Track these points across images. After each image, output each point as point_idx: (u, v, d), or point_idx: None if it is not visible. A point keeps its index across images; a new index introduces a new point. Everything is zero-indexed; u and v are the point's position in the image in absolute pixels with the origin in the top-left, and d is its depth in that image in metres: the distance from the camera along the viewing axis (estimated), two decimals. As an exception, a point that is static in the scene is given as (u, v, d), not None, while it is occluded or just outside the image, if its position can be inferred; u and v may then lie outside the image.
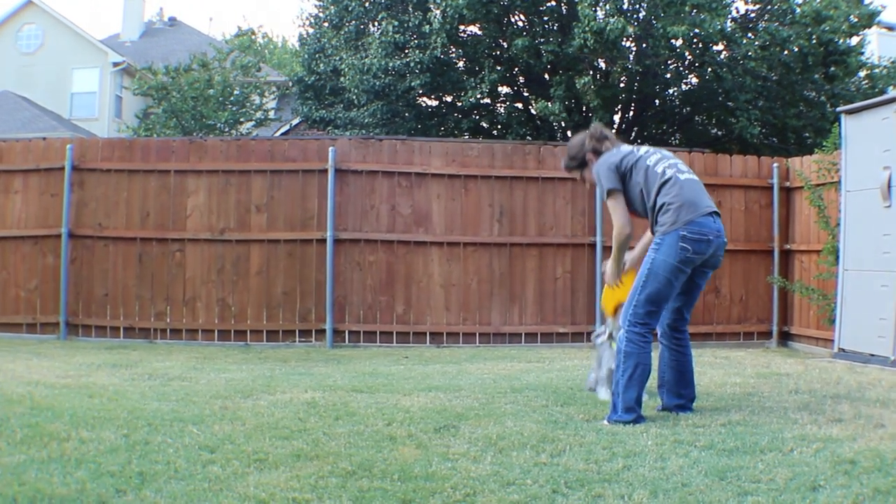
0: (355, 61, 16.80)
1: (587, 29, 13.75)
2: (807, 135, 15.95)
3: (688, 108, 17.83)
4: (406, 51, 16.54)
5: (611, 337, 5.31)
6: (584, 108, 16.44)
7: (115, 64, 26.57)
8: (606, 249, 8.95)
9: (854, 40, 15.03)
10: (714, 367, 7.07)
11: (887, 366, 7.05)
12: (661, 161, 4.84)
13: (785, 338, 9.65)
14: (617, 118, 17.96)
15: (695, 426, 4.41)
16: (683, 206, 4.65)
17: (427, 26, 15.82)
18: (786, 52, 15.00)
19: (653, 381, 4.91)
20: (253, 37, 38.37)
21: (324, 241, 9.27)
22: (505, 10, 16.39)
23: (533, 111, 17.21)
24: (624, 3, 15.74)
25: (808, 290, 8.95)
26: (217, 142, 9.87)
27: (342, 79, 17.62)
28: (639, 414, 4.58)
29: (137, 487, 3.28)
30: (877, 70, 16.50)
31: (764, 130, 15.88)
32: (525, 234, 9.50)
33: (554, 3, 16.51)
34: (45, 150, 9.50)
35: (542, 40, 15.94)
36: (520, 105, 18.80)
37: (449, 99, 18.64)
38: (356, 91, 17.03)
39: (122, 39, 31.20)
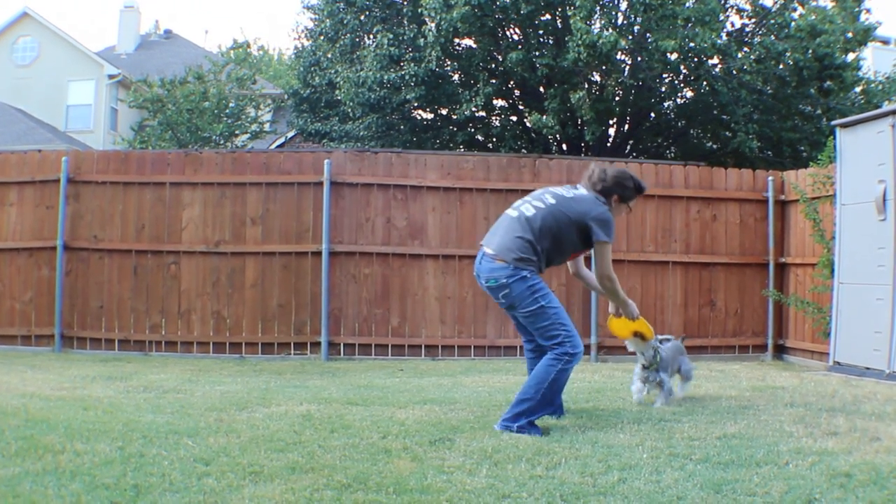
0: (350, 74, 16.82)
1: (580, 42, 13.78)
2: (802, 148, 15.96)
3: (683, 122, 17.85)
4: (401, 64, 16.56)
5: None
6: (578, 122, 16.44)
7: (111, 76, 26.58)
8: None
9: (850, 56, 15.03)
10: (709, 380, 7.07)
11: (882, 379, 7.06)
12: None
13: (780, 351, 9.66)
14: (612, 132, 17.98)
15: (690, 439, 4.41)
16: None
17: (422, 39, 15.84)
18: (781, 66, 15.04)
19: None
20: (248, 49, 38.40)
21: (319, 253, 9.28)
22: (499, 24, 16.42)
23: (528, 124, 17.22)
24: (618, 18, 15.79)
25: (803, 304, 8.97)
26: (212, 154, 9.88)
27: (337, 91, 17.64)
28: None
29: (132, 500, 3.28)
30: (872, 85, 16.54)
31: (759, 144, 15.89)
32: (520, 247, 9.48)
33: (548, 16, 16.53)
34: (40, 163, 9.51)
35: (536, 54, 15.97)
36: (514, 118, 18.82)
37: (444, 112, 18.65)
38: (351, 104, 17.03)
39: (118, 52, 31.22)
